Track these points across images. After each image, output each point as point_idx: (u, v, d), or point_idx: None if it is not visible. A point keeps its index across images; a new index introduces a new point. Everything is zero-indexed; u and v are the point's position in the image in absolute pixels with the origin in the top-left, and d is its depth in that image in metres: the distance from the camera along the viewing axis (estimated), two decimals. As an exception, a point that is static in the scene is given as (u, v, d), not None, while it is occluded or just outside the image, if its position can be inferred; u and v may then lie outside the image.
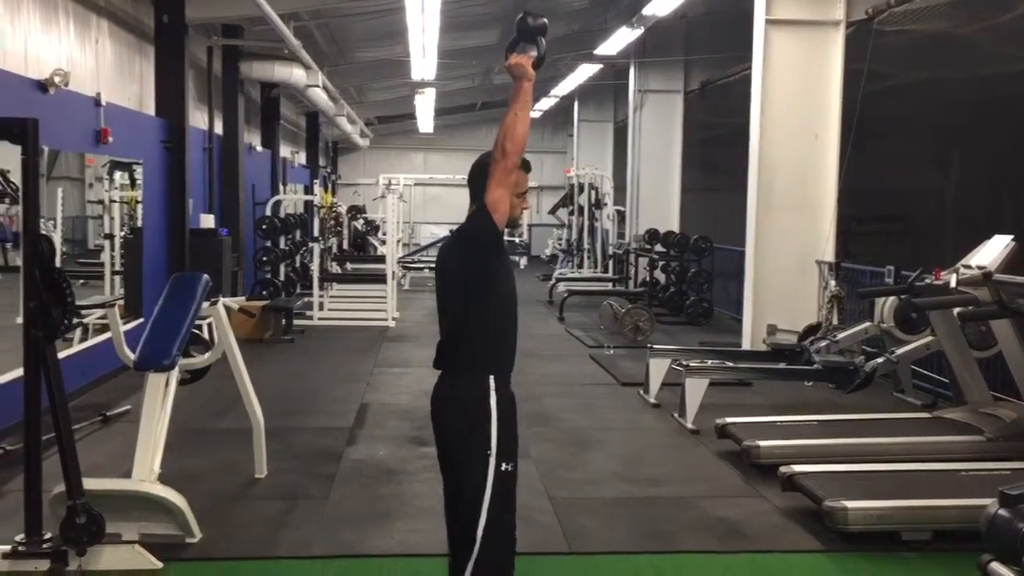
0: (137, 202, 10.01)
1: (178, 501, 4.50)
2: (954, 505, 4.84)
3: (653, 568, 4.52)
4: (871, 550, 4.70)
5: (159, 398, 4.80)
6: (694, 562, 4.66)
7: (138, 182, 9.89)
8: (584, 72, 18.35)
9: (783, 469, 5.36)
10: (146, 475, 4.55)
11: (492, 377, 3.24)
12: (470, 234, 3.27)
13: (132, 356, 5.12)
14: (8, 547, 4.27)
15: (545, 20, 3.27)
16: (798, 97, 9.90)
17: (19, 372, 5.94)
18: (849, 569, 4.55)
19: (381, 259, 16.60)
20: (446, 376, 3.34)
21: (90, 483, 4.32)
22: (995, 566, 4.15)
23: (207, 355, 5.67)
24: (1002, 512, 4.15)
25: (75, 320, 4.54)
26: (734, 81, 15.14)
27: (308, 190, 19.91)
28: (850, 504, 4.76)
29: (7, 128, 4.24)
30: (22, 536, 4.32)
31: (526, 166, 3.29)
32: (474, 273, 3.27)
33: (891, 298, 7.87)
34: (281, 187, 16.91)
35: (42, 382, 4.29)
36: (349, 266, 17.60)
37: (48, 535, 4.33)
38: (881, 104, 10.89)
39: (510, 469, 3.19)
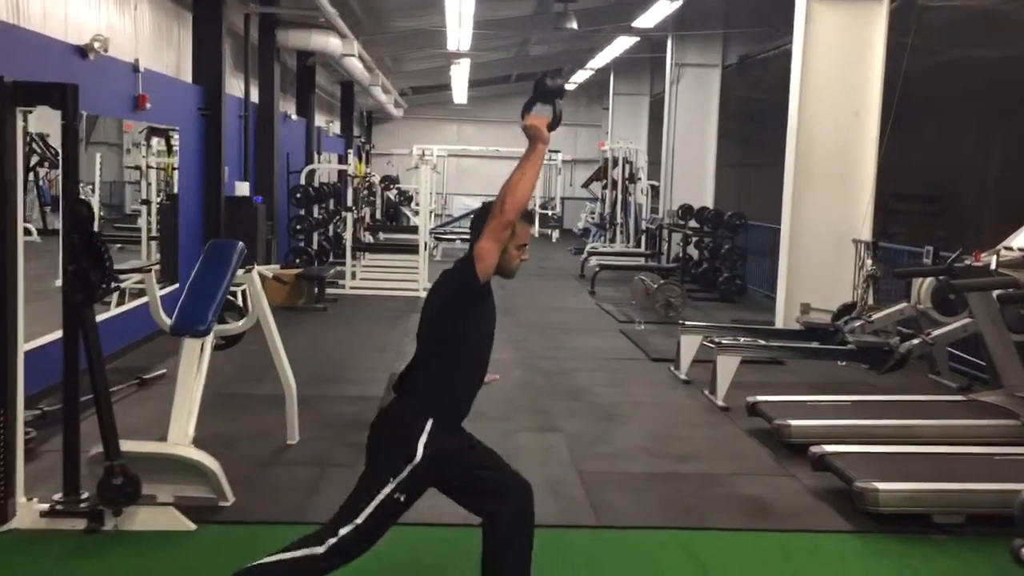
0: (173, 168, 10.08)
1: (212, 465, 4.56)
2: (988, 489, 4.79)
3: (680, 544, 4.52)
4: (902, 532, 4.67)
5: (194, 363, 4.85)
6: (722, 539, 4.64)
7: (174, 148, 9.96)
8: (621, 45, 18.15)
9: (814, 449, 5.32)
10: (181, 439, 4.60)
11: (431, 421, 3.23)
12: (453, 277, 3.30)
13: (168, 321, 5.17)
14: (46, 506, 4.38)
15: (562, 82, 3.37)
16: (839, 73, 9.74)
17: (58, 334, 6.06)
18: (879, 550, 4.52)
19: (413, 229, 16.63)
20: (394, 401, 3.36)
21: (127, 445, 4.39)
22: (1028, 551, 4.10)
23: (241, 322, 5.73)
24: (1037, 497, 4.10)
25: (113, 284, 4.58)
26: (773, 56, 14.96)
27: (342, 159, 19.94)
28: (882, 485, 4.73)
29: (48, 93, 4.29)
30: (60, 495, 4.42)
31: (528, 217, 3.29)
32: (447, 316, 3.29)
33: (929, 279, 7.77)
34: (315, 156, 16.96)
35: (80, 345, 4.36)
36: (381, 236, 17.65)
37: (85, 495, 4.42)
38: (924, 81, 10.69)
39: (400, 500, 3.20)
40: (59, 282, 7.10)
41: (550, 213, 25.59)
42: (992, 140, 14.86)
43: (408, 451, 3.19)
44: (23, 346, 4.42)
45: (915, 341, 7.28)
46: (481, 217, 3.27)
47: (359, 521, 3.14)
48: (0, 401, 4.24)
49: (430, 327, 3.32)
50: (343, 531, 3.13)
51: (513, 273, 3.35)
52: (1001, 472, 5.05)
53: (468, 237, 3.37)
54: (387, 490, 3.16)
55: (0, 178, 4.18)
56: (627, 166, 19.33)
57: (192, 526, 4.40)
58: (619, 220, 19.46)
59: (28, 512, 4.35)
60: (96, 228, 4.50)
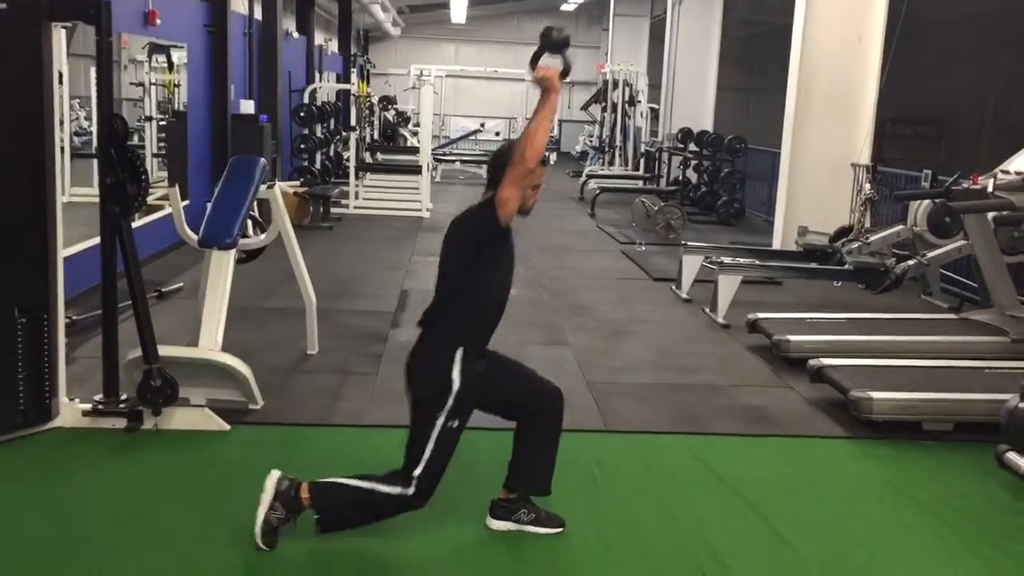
0: (175, 85, 10.12)
1: (244, 370, 4.78)
2: (976, 399, 5.06)
3: (685, 446, 4.79)
4: (894, 437, 4.95)
5: (221, 273, 5.05)
6: (723, 443, 4.91)
7: (175, 65, 9.98)
8: (623, -36, 17.98)
9: (812, 362, 5.59)
10: (212, 345, 4.82)
11: (460, 350, 3.45)
12: (474, 221, 3.46)
13: (193, 235, 5.35)
14: (88, 405, 4.62)
15: (568, 34, 3.42)
16: (843, -4, 9.77)
17: (75, 248, 6.25)
18: (872, 454, 4.81)
19: (411, 150, 16.67)
20: (421, 337, 3.56)
21: (162, 350, 4.60)
22: (1011, 456, 4.41)
23: (263, 236, 5.90)
24: (1022, 406, 4.39)
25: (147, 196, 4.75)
26: (777, -22, 14.85)
27: (340, 78, 19.84)
28: (875, 394, 4.99)
29: (82, 8, 4.39)
30: (100, 396, 4.66)
31: (543, 160, 3.42)
32: (468, 257, 3.46)
33: (925, 202, 7.97)
34: (316, 75, 16.89)
35: (117, 255, 4.55)
36: (379, 156, 17.69)
37: (124, 396, 4.66)
38: (926, 6, 10.71)
39: (454, 426, 3.46)
40: (65, 199, 7.25)
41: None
42: (992, 66, 14.90)
43: (447, 383, 3.43)
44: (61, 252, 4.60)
45: (911, 262, 7.53)
46: (497, 164, 3.43)
47: (427, 457, 3.42)
48: (43, 304, 4.44)
49: (453, 271, 3.50)
50: (417, 472, 3.43)
51: (529, 211, 3.52)
52: (989, 384, 5.31)
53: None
54: (440, 422, 3.42)
55: (39, 92, 4.31)
56: (627, 89, 19.30)
57: (226, 426, 4.65)
58: (618, 143, 19.50)
59: (71, 411, 4.60)
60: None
